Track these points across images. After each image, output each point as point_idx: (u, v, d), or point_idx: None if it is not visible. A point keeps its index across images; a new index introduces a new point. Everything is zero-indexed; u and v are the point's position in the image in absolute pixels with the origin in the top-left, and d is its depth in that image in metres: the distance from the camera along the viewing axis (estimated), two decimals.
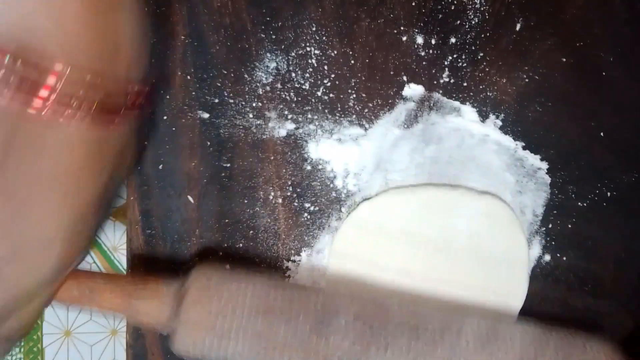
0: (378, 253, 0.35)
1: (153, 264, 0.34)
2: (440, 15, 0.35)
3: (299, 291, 0.30)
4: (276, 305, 0.29)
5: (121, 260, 0.41)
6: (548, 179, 0.36)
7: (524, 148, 0.36)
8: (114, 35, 0.24)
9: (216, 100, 0.34)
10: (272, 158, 0.35)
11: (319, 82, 0.35)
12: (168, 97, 0.34)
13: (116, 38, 0.24)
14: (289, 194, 0.35)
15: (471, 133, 0.36)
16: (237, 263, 0.35)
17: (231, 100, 0.34)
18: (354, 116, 0.35)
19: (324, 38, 0.35)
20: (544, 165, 0.36)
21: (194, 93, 0.34)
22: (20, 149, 0.22)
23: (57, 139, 0.23)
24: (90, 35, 0.23)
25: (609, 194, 0.37)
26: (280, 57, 0.34)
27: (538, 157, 0.36)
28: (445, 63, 0.35)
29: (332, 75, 0.35)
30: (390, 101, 0.35)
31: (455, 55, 0.35)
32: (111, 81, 0.24)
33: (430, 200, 0.35)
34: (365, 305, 0.30)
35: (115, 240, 0.41)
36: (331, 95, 0.35)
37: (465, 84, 0.35)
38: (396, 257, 0.35)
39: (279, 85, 0.34)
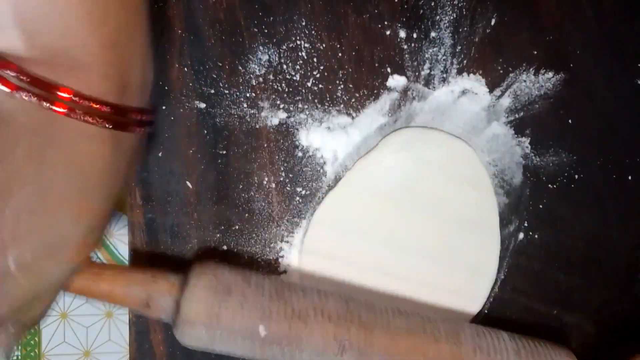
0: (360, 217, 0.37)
1: (155, 245, 0.36)
2: (421, 11, 0.37)
3: (294, 290, 0.32)
4: (272, 303, 0.31)
5: (117, 245, 0.42)
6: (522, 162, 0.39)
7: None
8: (128, 70, 0.27)
9: (212, 91, 0.36)
10: (265, 145, 0.37)
11: (309, 73, 0.37)
12: (166, 88, 0.36)
13: (129, 74, 0.27)
14: (281, 179, 0.37)
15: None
16: (234, 244, 0.37)
17: (226, 91, 0.36)
18: (342, 106, 0.37)
19: (313, 32, 0.37)
20: (519, 150, 0.39)
21: (190, 84, 0.36)
22: (53, 147, 0.25)
23: (84, 142, 0.25)
24: (106, 69, 0.25)
25: (576, 176, 0.40)
26: (272, 50, 0.37)
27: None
28: (426, 56, 0.38)
29: (321, 67, 0.37)
30: (375, 91, 0.38)
31: (435, 49, 0.38)
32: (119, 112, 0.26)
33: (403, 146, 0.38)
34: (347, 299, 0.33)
35: (111, 226, 0.42)
36: (320, 86, 0.37)
37: (444, 76, 0.38)
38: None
39: (271, 77, 0.37)
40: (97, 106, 0.25)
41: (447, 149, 0.38)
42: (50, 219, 0.26)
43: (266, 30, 0.36)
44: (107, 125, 0.26)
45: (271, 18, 0.36)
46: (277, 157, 0.37)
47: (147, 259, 0.36)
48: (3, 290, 0.26)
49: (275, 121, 0.37)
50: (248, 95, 0.37)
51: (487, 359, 0.32)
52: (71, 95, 0.24)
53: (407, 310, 0.33)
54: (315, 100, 0.37)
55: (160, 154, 0.36)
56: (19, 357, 0.41)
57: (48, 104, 0.24)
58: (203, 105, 0.36)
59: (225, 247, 0.36)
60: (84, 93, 0.25)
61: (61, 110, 0.24)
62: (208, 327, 0.30)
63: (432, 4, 0.38)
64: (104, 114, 0.25)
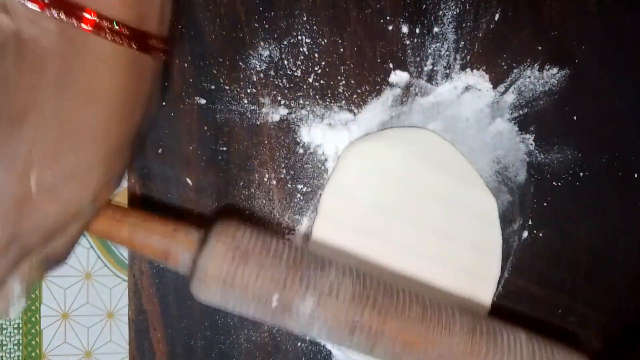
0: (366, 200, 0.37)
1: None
2: (424, 6, 0.37)
3: (313, 264, 0.31)
4: (289, 275, 0.30)
5: (117, 246, 0.42)
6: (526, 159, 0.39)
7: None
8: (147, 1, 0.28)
9: (212, 87, 0.36)
10: (266, 142, 0.37)
11: (310, 69, 0.37)
12: (167, 84, 0.36)
13: (148, 4, 0.28)
14: (282, 176, 0.37)
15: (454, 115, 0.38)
16: None
17: (227, 87, 0.36)
18: (344, 102, 0.37)
19: (315, 27, 0.36)
20: (523, 148, 0.39)
21: (191, 80, 0.36)
22: (76, 71, 0.26)
23: (106, 62, 0.26)
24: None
25: (581, 174, 0.39)
26: (273, 46, 0.36)
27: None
28: (429, 51, 0.37)
29: (323, 63, 0.37)
30: (377, 87, 0.37)
31: (438, 44, 0.37)
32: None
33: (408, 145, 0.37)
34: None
35: None
36: (322, 81, 0.37)
37: (447, 72, 0.38)
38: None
39: (272, 73, 0.36)
40: (119, 28, 0.26)
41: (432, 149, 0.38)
42: (71, 143, 0.26)
43: (267, 26, 0.36)
44: (133, 46, 0.26)
45: (272, 13, 0.36)
46: (278, 153, 0.37)
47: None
48: (25, 214, 0.26)
49: (276, 117, 0.37)
50: (249, 91, 0.36)
51: (501, 358, 0.32)
52: (95, 17, 0.25)
53: (425, 297, 0.32)
54: (317, 96, 0.37)
55: (160, 151, 0.36)
56: (20, 358, 0.41)
57: (76, 21, 0.25)
58: (203, 102, 0.36)
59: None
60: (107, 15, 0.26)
61: (88, 27, 0.25)
62: (222, 288, 0.30)
63: None
64: (127, 35, 0.26)
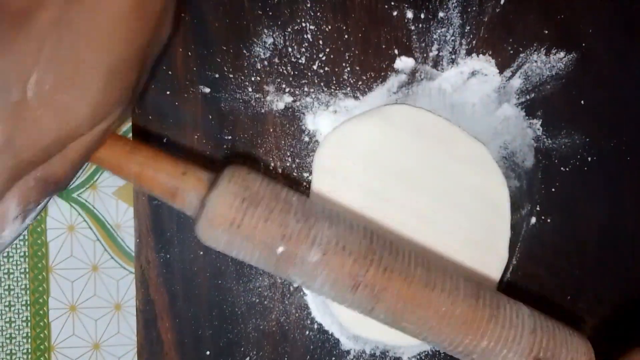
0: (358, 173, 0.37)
1: (160, 232, 0.36)
2: None
3: (322, 216, 0.31)
4: (296, 225, 0.30)
5: (124, 238, 0.42)
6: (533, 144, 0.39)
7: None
8: None
9: (217, 75, 0.36)
10: (271, 130, 0.36)
11: (315, 56, 0.36)
12: (170, 73, 0.35)
13: None
14: (288, 164, 0.37)
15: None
16: None
17: (231, 75, 0.36)
18: (349, 89, 0.37)
19: (319, 14, 0.36)
20: (530, 133, 0.38)
21: (195, 69, 0.36)
22: None
23: None
24: None
25: (589, 159, 0.39)
26: (277, 33, 0.36)
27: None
28: (434, 37, 0.37)
29: (327, 50, 0.36)
30: (382, 74, 0.37)
31: (443, 29, 0.37)
32: None
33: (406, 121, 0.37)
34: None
35: (119, 218, 0.42)
36: (326, 69, 0.36)
37: (453, 57, 0.37)
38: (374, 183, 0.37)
39: (276, 60, 0.36)
40: None
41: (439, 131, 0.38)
42: (73, 50, 0.26)
43: (270, 13, 0.36)
44: None
45: (275, 0, 0.36)
46: (283, 142, 0.37)
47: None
48: (20, 120, 0.25)
49: (281, 105, 0.36)
50: (253, 79, 0.36)
51: (500, 330, 0.31)
52: None
53: (431, 263, 0.32)
54: (322, 84, 0.36)
55: (165, 140, 0.36)
56: (29, 350, 0.41)
57: None
58: (208, 90, 0.36)
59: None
60: None
61: None
62: (228, 232, 0.29)
63: None
64: None
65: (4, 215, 0.27)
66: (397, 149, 0.37)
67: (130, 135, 0.36)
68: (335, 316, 0.37)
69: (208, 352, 0.37)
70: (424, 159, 0.37)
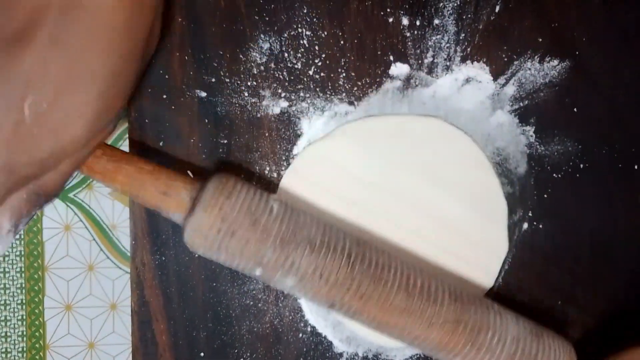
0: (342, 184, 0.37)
1: (156, 234, 0.36)
2: None
3: (301, 243, 0.31)
4: (274, 254, 0.31)
5: (120, 238, 0.42)
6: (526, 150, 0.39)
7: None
8: None
9: (213, 80, 0.36)
10: (267, 134, 0.37)
11: (311, 61, 0.37)
12: (167, 77, 0.36)
13: None
14: (283, 168, 0.37)
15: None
16: None
17: (227, 80, 0.36)
18: (344, 94, 0.37)
19: (315, 20, 0.36)
20: (523, 139, 0.39)
21: (191, 73, 0.36)
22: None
23: None
24: None
25: (582, 166, 0.39)
26: (274, 38, 0.36)
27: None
28: (430, 43, 0.37)
29: (323, 55, 0.37)
30: (377, 80, 0.37)
31: (438, 36, 0.37)
32: None
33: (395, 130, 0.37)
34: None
35: (114, 218, 0.42)
36: (322, 74, 0.37)
37: (448, 64, 0.38)
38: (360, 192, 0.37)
39: (272, 65, 0.36)
40: None
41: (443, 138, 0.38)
42: (69, 70, 0.26)
43: (267, 18, 0.36)
44: None
45: (272, 5, 0.36)
46: (278, 146, 0.37)
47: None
48: (18, 140, 0.26)
49: (277, 110, 0.37)
50: (249, 83, 0.36)
51: (475, 354, 0.32)
52: None
53: (417, 280, 0.32)
54: (317, 89, 0.37)
55: (161, 144, 0.36)
56: (24, 349, 0.41)
57: None
58: (204, 94, 0.36)
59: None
60: None
61: None
62: (209, 253, 0.31)
63: None
64: None
65: None
66: (373, 161, 0.37)
67: (127, 137, 0.36)
68: (329, 313, 0.38)
69: (202, 354, 0.37)
70: (404, 165, 0.37)
